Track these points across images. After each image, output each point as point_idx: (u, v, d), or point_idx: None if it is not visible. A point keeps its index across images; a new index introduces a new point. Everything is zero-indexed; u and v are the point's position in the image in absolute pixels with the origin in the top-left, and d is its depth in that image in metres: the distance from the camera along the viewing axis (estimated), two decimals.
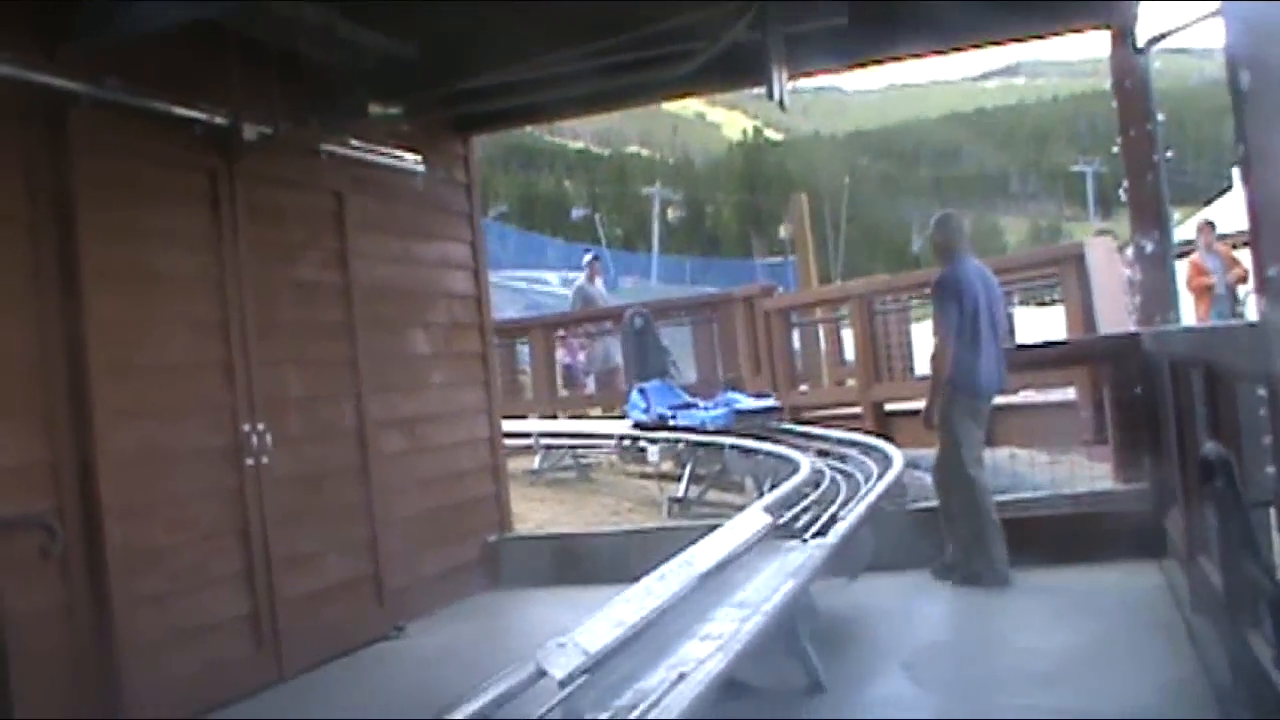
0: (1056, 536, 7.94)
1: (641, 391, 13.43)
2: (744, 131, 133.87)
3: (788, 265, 33.62)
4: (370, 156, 8.25)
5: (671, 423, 13.18)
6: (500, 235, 44.65)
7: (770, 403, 13.13)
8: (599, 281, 18.65)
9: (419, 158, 8.76)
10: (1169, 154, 8.11)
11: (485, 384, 9.77)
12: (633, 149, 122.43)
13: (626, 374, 13.37)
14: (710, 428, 12.60)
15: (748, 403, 12.92)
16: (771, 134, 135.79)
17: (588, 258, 19.34)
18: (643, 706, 4.48)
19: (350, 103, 7.36)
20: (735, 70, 8.07)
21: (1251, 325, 3.57)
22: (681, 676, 4.68)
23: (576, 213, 66.55)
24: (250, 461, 6.96)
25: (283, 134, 7.18)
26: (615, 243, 55.65)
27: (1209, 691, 5.07)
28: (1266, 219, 3.27)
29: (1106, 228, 14.70)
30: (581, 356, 18.18)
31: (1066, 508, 8.40)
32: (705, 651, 5.20)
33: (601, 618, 5.40)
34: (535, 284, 39.21)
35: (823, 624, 6.27)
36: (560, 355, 17.66)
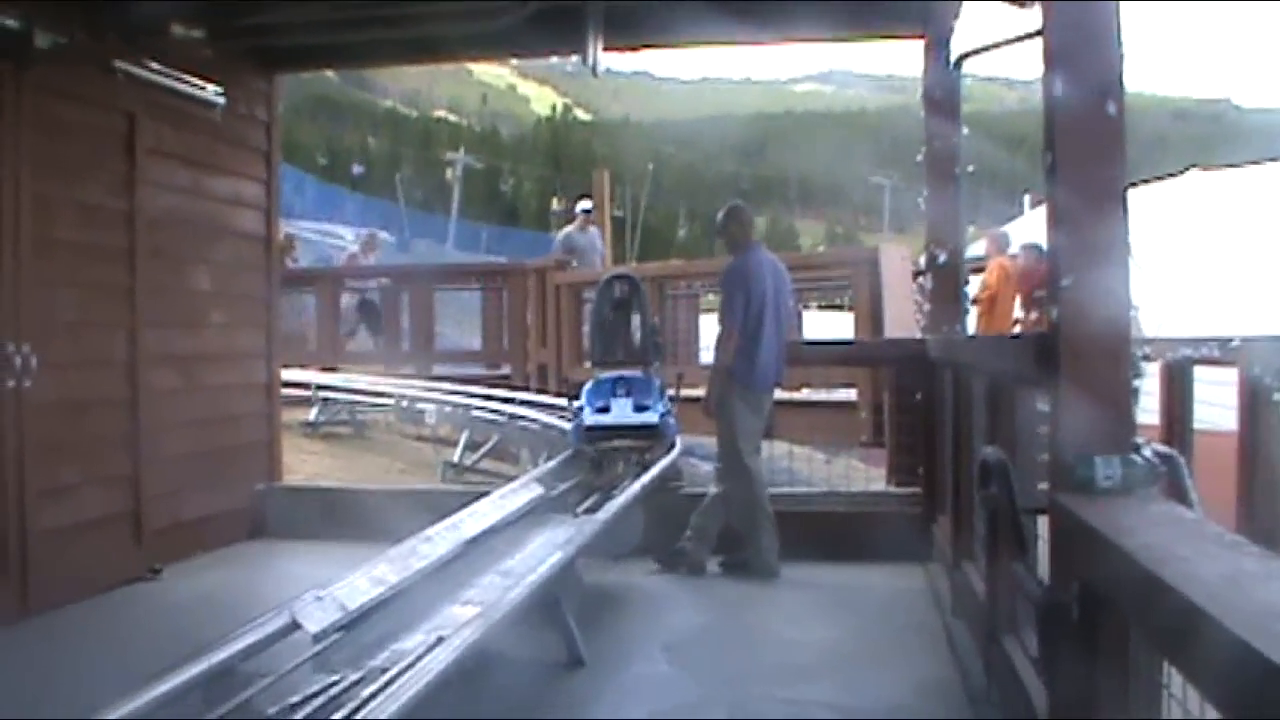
0: (829, 533, 8.02)
1: (604, 385, 9.30)
2: (553, 107, 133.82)
3: None
4: (169, 82, 7.85)
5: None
6: (298, 183, 43.46)
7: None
8: (593, 231, 17.56)
9: (220, 89, 8.39)
10: (970, 168, 8.26)
11: (266, 328, 9.42)
12: (440, 114, 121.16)
13: (592, 355, 9.80)
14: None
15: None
16: (580, 113, 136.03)
17: (584, 204, 17.93)
18: (398, 667, 4.34)
19: (151, 18, 6.98)
20: (552, 34, 7.96)
21: (1041, 335, 3.60)
22: (440, 640, 4.55)
23: (357, 169, 65.37)
24: (11, 384, 6.54)
25: (78, 44, 6.77)
26: (414, 204, 54.79)
27: (963, 693, 5.17)
28: (1065, 230, 3.31)
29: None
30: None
31: (841, 505, 8.51)
32: (466, 616, 5.10)
33: (362, 575, 5.26)
34: (329, 237, 38.24)
35: (587, 600, 6.20)
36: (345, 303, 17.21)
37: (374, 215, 45.41)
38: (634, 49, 9.45)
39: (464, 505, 6.93)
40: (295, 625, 4.51)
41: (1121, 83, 3.25)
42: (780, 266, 8.19)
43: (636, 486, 7.57)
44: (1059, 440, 3.26)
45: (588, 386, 8.91)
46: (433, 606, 5.64)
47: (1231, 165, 21.24)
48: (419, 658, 4.40)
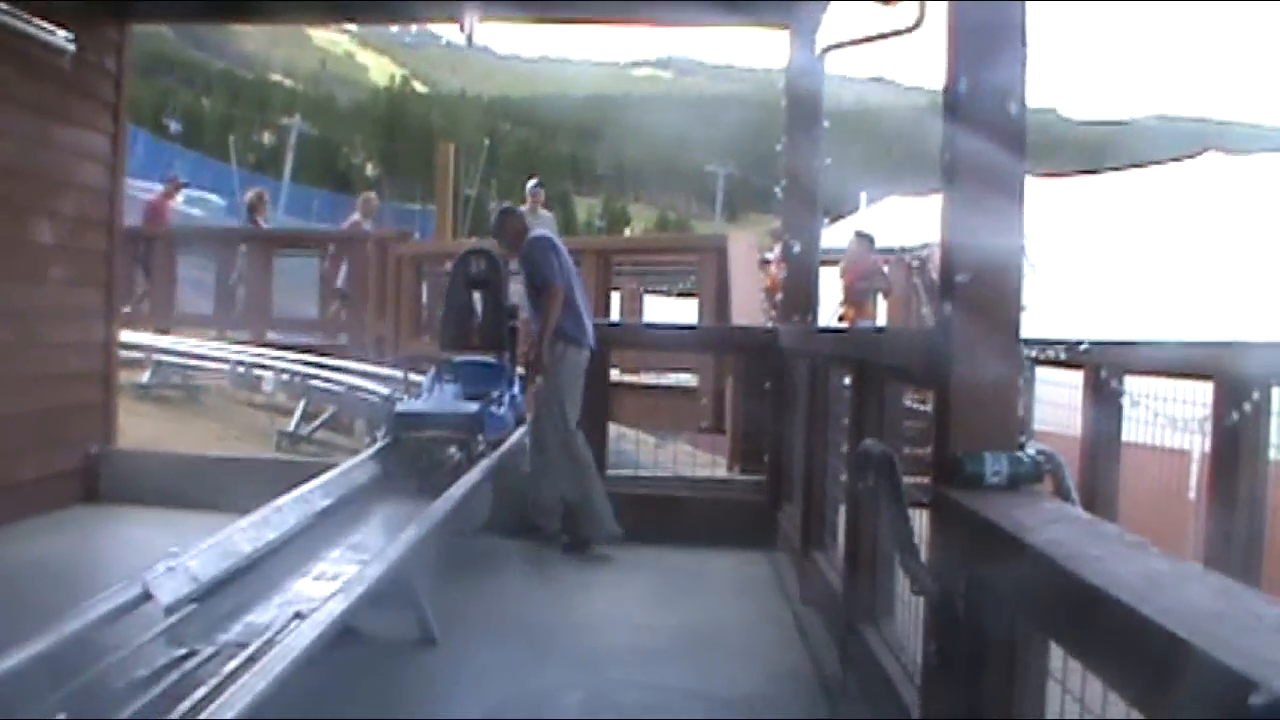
0: (673, 518, 8.04)
1: (446, 369, 8.75)
2: (392, 77, 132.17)
3: (418, 214, 32.98)
4: (16, 23, 7.46)
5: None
6: (130, 139, 42.07)
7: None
8: (545, 215, 16.18)
9: (70, 36, 8.01)
10: (827, 161, 8.33)
11: (106, 286, 9.03)
12: (276, 77, 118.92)
13: (441, 337, 9.04)
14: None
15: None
16: (419, 85, 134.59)
17: (530, 183, 16.83)
18: (257, 643, 4.21)
19: None
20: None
21: (932, 331, 3.63)
22: (299, 616, 4.41)
23: (175, 126, 63.62)
24: None
25: None
26: (246, 167, 53.47)
27: (817, 682, 5.21)
28: (961, 227, 3.33)
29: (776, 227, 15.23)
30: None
31: (685, 490, 8.53)
32: (323, 592, 4.97)
33: (214, 545, 5.13)
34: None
35: (441, 578, 6.09)
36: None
37: (205, 175, 44.25)
38: (511, 20, 9.26)
39: (308, 476, 6.79)
40: (147, 596, 4.34)
41: (1024, 82, 3.27)
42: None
43: (485, 464, 7.46)
44: (945, 435, 3.28)
45: (431, 371, 8.74)
46: (284, 580, 5.52)
47: (1056, 174, 21.91)
48: (278, 633, 4.26)
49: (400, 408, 8.32)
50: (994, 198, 3.26)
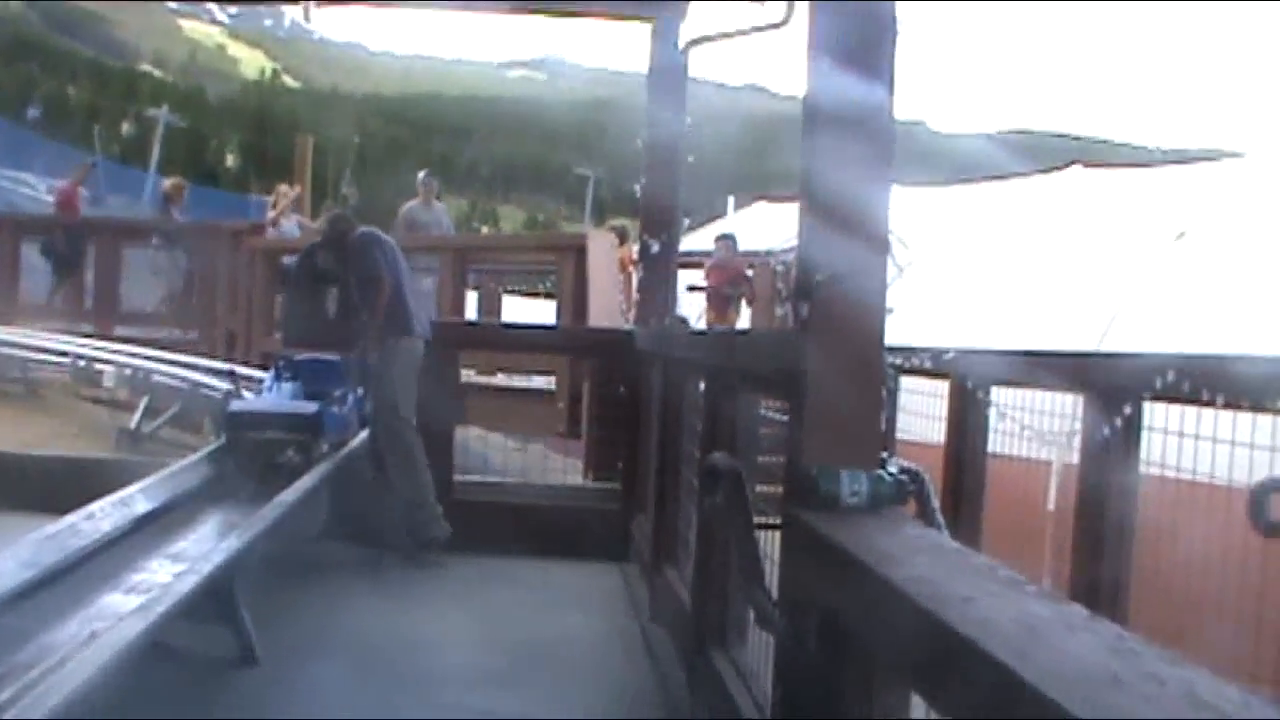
0: (524, 526, 7.62)
1: (285, 368, 8.24)
2: (262, 71, 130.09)
3: None
4: None
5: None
6: None
7: None
8: (438, 206, 15.45)
9: None
10: (690, 158, 8.04)
11: None
12: (145, 67, 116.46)
13: (285, 332, 8.67)
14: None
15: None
16: (290, 80, 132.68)
17: (421, 174, 15.73)
18: (43, 666, 3.74)
19: None
20: None
21: (786, 334, 3.32)
22: (94, 635, 3.95)
23: (33, 111, 61.58)
24: None
25: None
26: (112, 158, 51.80)
27: (663, 702, 4.89)
28: (820, 225, 3.03)
29: (618, 224, 14.59)
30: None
31: (537, 498, 8.17)
32: (129, 605, 4.51)
33: (10, 555, 4.62)
34: (18, 185, 35.73)
35: (265, 589, 5.64)
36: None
37: (69, 165, 42.67)
38: (350, 3, 8.82)
39: (139, 477, 6.32)
40: None
41: (893, 80, 2.98)
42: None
43: (323, 467, 7.03)
44: (799, 449, 2.97)
45: (271, 368, 8.28)
46: (93, 592, 5.02)
47: (926, 184, 21.99)
48: (68, 655, 3.80)
49: (234, 406, 7.84)
50: (856, 197, 2.96)
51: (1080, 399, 5.09)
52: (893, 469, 2.93)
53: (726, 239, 13.94)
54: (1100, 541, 4.76)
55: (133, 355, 12.54)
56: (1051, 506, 6.73)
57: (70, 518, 5.29)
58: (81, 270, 15.63)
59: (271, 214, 15.94)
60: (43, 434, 11.26)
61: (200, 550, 5.69)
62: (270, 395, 7.96)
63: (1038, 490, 6.85)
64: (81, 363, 12.76)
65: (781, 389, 3.35)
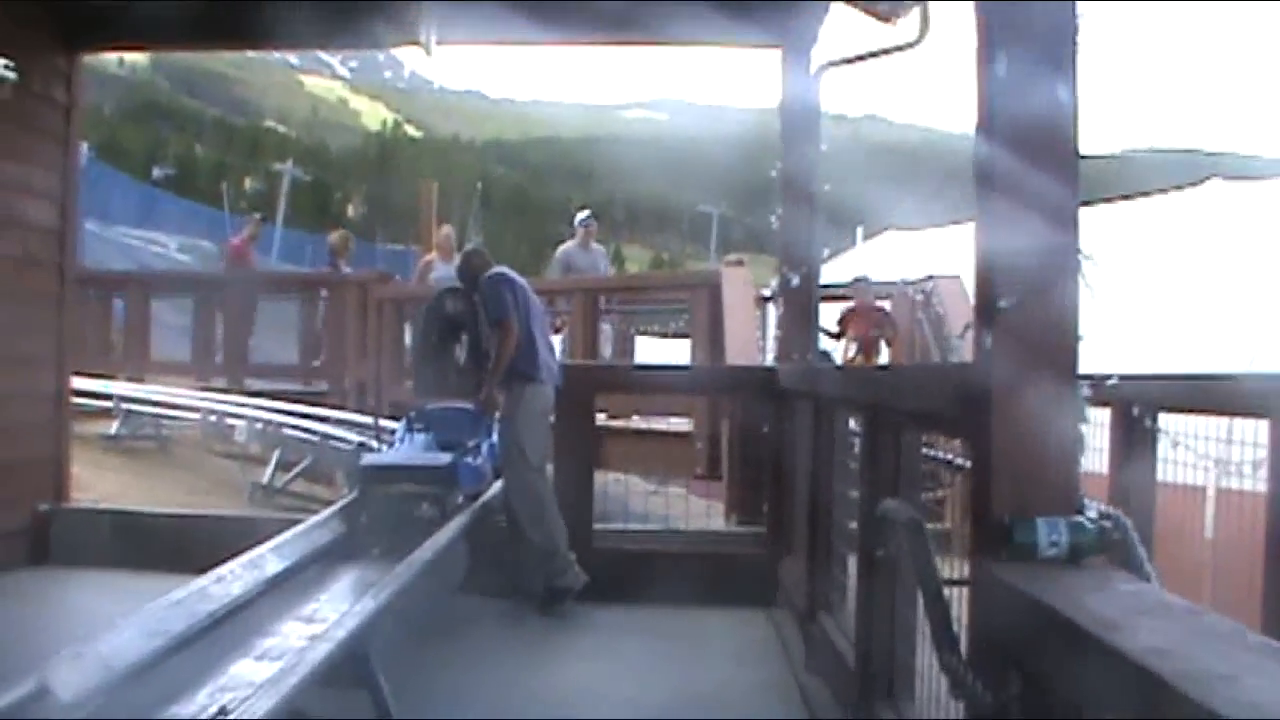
0: (665, 574, 7.31)
1: (418, 419, 7.99)
2: (384, 123, 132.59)
3: (407, 255, 32.34)
4: None
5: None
6: (122, 186, 41.71)
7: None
8: (596, 249, 14.79)
9: (10, 62, 7.49)
10: (826, 187, 7.75)
11: (57, 332, 8.44)
12: (269, 124, 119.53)
13: (416, 383, 8.46)
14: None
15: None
16: (411, 129, 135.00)
17: (582, 214, 14.95)
18: None
19: None
20: (383, 23, 7.27)
21: (967, 367, 3.03)
22: (224, 711, 3.76)
23: (159, 171, 63.14)
24: None
25: None
26: (239, 214, 53.05)
27: None
28: (1001, 246, 2.73)
29: (737, 258, 14.09)
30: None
31: (678, 545, 7.90)
32: (260, 674, 4.33)
33: (137, 622, 4.47)
34: (150, 244, 36.74)
35: (402, 647, 5.45)
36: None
37: (199, 222, 43.86)
38: (475, 42, 8.72)
39: (271, 534, 6.19)
40: (45, 690, 3.70)
41: (1075, 83, 2.69)
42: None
43: (460, 520, 6.84)
44: (987, 495, 2.67)
45: (403, 419, 8.10)
46: (223, 659, 4.87)
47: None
48: None
49: (367, 460, 7.69)
50: (1041, 210, 2.67)
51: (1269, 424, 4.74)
52: (1092, 514, 2.62)
53: (862, 281, 13.42)
54: None
55: (264, 409, 12.57)
56: (1209, 535, 6.43)
57: (200, 580, 5.16)
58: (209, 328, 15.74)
59: (426, 258, 15.77)
60: (175, 491, 11.32)
61: (334, 611, 5.53)
62: (403, 447, 7.78)
63: (1193, 517, 6.48)
64: (213, 418, 12.84)
65: (960, 427, 3.06)
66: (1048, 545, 2.50)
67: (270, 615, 5.48)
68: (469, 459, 7.47)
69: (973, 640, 2.69)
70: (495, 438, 7.71)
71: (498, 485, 7.64)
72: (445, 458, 7.32)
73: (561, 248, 14.77)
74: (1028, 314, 2.63)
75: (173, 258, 34.61)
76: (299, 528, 6.68)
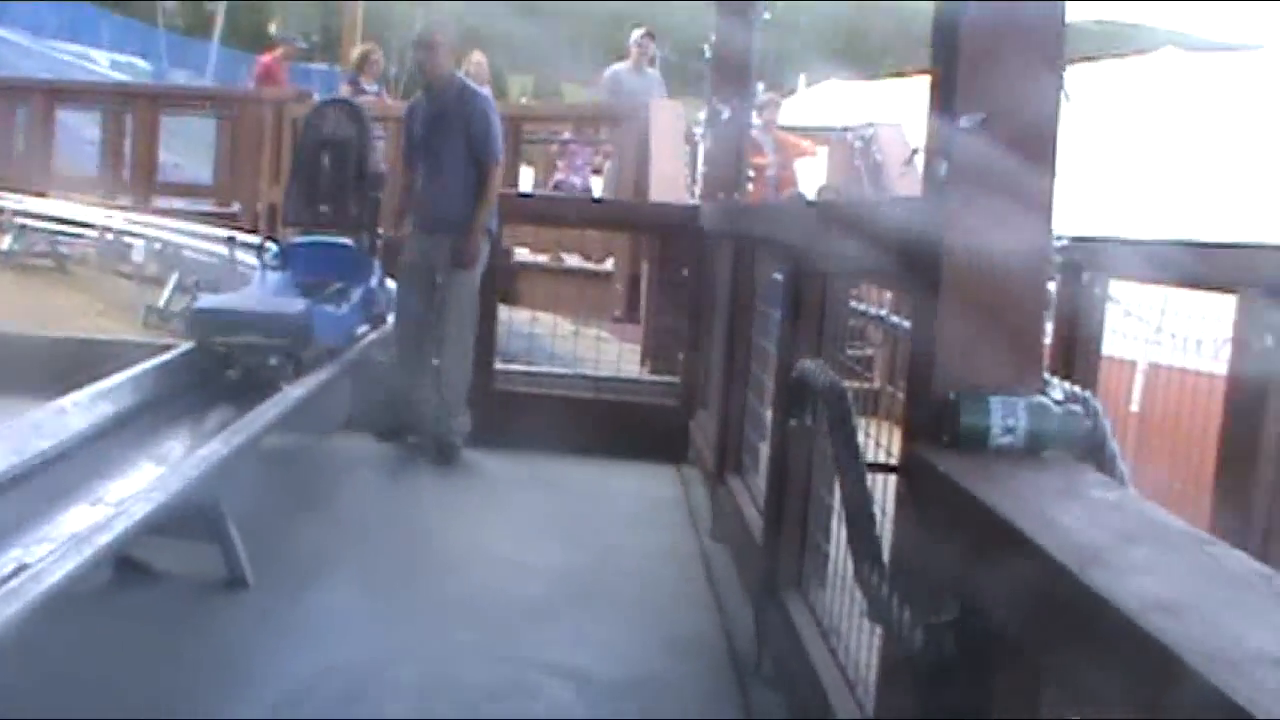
0: (575, 422, 6.70)
1: (276, 255, 6.97)
2: None
3: (323, 74, 30.71)
4: None
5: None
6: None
7: None
8: (651, 73, 12.76)
9: None
10: (766, 15, 7.05)
11: None
12: None
13: (285, 210, 7.38)
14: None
15: None
16: None
17: (637, 33, 12.94)
18: None
19: None
20: None
21: (913, 199, 2.45)
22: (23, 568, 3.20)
23: None
24: None
25: None
26: (175, 30, 50.98)
27: (725, 654, 4.09)
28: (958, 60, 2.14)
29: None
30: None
31: (586, 390, 7.35)
32: (94, 518, 3.77)
33: None
34: (82, 59, 35.26)
35: (265, 498, 4.88)
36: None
37: (132, 38, 42.23)
38: None
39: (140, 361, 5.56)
40: None
41: None
42: None
43: (345, 354, 6.22)
44: (929, 364, 2.12)
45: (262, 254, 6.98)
46: (52, 506, 4.27)
47: None
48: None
49: (202, 302, 6.59)
50: (1015, 16, 2.09)
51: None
52: (1057, 395, 2.09)
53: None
54: (1253, 465, 3.94)
55: (162, 229, 11.90)
56: (1135, 408, 6.04)
57: (35, 413, 4.56)
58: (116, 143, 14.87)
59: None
60: (67, 311, 10.74)
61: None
62: (252, 288, 6.77)
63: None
64: (110, 236, 12.16)
65: (903, 278, 2.50)
66: (1002, 431, 1.96)
67: (119, 456, 4.88)
68: (330, 306, 6.38)
69: (899, 550, 2.17)
70: (375, 282, 6.93)
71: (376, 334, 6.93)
72: (299, 304, 6.12)
73: (611, 68, 13.12)
74: (995, 137, 2.05)
75: (105, 74, 33.13)
76: (167, 355, 6.01)
